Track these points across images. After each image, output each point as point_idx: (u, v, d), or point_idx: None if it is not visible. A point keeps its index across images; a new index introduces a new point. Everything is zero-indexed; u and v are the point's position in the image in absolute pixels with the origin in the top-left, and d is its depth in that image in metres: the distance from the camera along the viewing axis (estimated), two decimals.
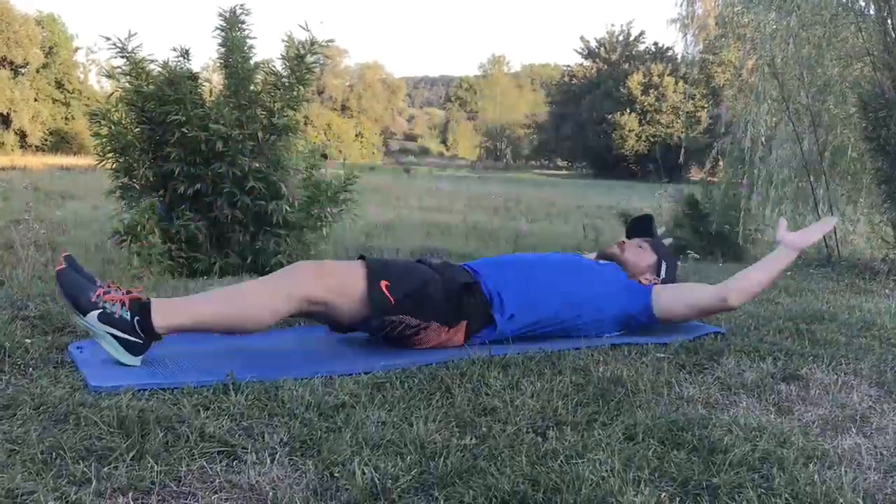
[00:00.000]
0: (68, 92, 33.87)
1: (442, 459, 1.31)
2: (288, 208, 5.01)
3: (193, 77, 5.04)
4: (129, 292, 1.83)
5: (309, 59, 5.26)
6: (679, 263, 2.70)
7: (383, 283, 2.00)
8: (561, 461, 1.32)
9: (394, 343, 2.09)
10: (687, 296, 2.41)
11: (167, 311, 1.82)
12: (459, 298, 2.10)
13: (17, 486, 1.14)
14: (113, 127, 4.90)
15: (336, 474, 1.26)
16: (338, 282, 1.98)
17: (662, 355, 2.09)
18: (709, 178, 8.41)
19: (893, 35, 5.01)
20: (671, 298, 2.37)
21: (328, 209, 5.31)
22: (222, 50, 5.16)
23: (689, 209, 7.81)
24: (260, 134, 4.99)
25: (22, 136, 31.63)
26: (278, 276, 2.00)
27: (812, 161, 5.79)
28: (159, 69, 4.96)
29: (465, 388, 1.72)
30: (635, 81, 38.91)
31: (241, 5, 5.16)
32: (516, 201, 16.84)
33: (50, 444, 1.31)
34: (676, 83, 37.06)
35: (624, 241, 2.59)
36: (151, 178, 4.89)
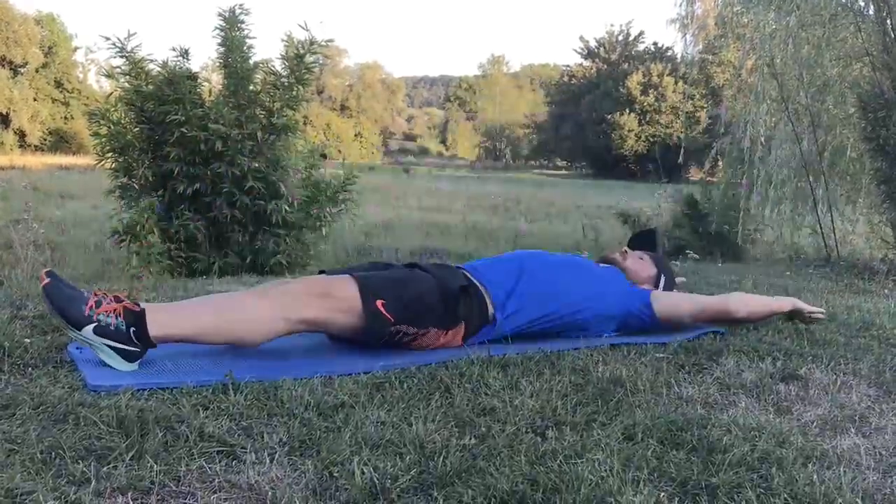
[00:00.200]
0: (67, 91, 33.87)
1: (441, 459, 1.31)
2: (287, 208, 5.01)
3: (193, 77, 5.05)
4: (117, 298, 1.79)
5: (308, 58, 5.26)
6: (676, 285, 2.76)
7: (379, 303, 1.97)
8: (560, 461, 1.32)
9: (392, 348, 2.08)
10: (688, 295, 2.46)
11: (163, 323, 1.79)
12: (457, 301, 2.09)
13: (16, 486, 1.14)
14: (112, 126, 4.91)
15: (335, 474, 1.26)
16: (335, 301, 1.95)
17: (661, 355, 2.09)
18: (708, 179, 8.42)
19: (893, 35, 5.02)
20: (673, 297, 2.43)
21: (327, 209, 5.32)
22: (221, 49, 5.16)
23: (688, 209, 7.82)
24: (259, 134, 4.99)
25: (21, 135, 31.61)
26: (277, 294, 1.94)
27: (811, 161, 5.80)
28: (158, 69, 4.96)
29: (464, 388, 1.72)
30: (635, 81, 38.92)
31: (241, 5, 5.17)
32: (516, 201, 16.85)
33: (49, 443, 1.31)
34: (676, 83, 37.07)
35: (626, 250, 2.61)
36: (151, 178, 4.90)
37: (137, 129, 4.95)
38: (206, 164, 4.87)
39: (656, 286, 2.54)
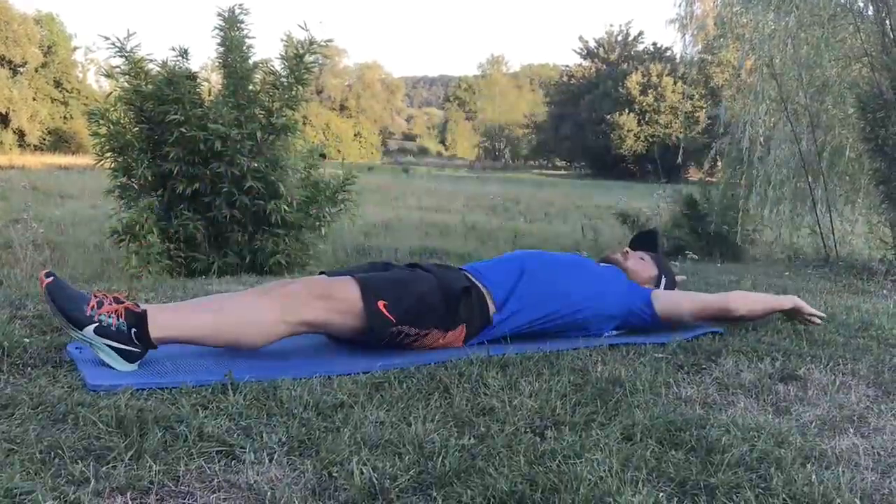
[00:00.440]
0: (67, 91, 33.85)
1: (440, 459, 1.31)
2: (286, 208, 5.01)
3: (192, 76, 5.05)
4: (118, 300, 1.79)
5: (308, 58, 5.26)
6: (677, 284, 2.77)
7: (381, 303, 1.97)
8: (559, 461, 1.32)
9: (392, 348, 2.08)
10: (689, 293, 2.49)
11: (163, 325, 1.80)
12: (458, 302, 2.09)
13: (15, 486, 1.13)
14: (112, 126, 4.90)
15: (334, 474, 1.26)
16: (336, 302, 1.95)
17: (660, 355, 2.09)
18: (707, 179, 8.43)
19: (892, 36, 5.02)
20: (674, 295, 2.43)
21: (327, 209, 5.32)
22: (221, 49, 5.16)
23: (687, 209, 7.83)
24: (259, 133, 4.99)
25: (20, 135, 31.59)
26: (278, 297, 1.93)
27: (810, 161, 5.81)
28: (158, 69, 4.96)
29: (463, 388, 1.73)
30: (634, 81, 38.91)
31: (240, 5, 5.17)
32: (515, 201, 16.85)
33: (48, 443, 1.31)
34: (675, 83, 37.05)
35: (627, 251, 2.61)
36: (150, 178, 4.90)
37: (137, 128, 4.95)
38: (206, 164, 4.87)
39: (657, 286, 2.55)
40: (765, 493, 1.24)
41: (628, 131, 38.12)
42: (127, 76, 4.95)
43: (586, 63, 44.85)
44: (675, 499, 1.23)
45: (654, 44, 42.97)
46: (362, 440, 1.39)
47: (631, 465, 1.33)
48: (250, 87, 5.17)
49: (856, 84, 5.33)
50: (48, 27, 34.54)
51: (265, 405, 1.56)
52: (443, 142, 65.49)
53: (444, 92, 79.03)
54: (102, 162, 5.00)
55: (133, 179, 4.93)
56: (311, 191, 5.32)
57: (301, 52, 5.24)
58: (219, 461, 1.30)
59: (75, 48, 36.15)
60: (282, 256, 4.97)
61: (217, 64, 5.32)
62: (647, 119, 38.27)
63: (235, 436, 1.40)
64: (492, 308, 2.16)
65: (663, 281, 2.57)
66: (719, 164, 7.68)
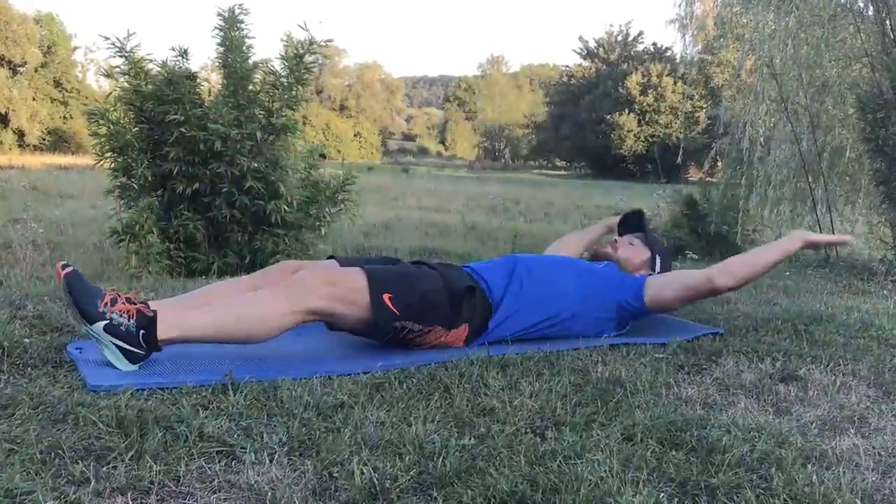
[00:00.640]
0: (66, 91, 33.82)
1: (441, 459, 1.31)
2: (286, 208, 5.01)
3: (192, 77, 5.04)
4: (130, 300, 1.80)
5: (308, 58, 5.26)
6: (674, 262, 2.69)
7: (386, 296, 1.98)
8: (559, 461, 1.32)
9: (395, 344, 2.08)
10: (675, 278, 2.39)
11: (172, 325, 1.80)
12: (461, 301, 2.10)
13: (15, 486, 1.13)
14: (111, 126, 4.90)
15: (335, 474, 1.26)
16: (343, 292, 1.96)
17: (661, 356, 2.09)
18: (707, 179, 8.42)
19: (892, 36, 5.02)
20: (660, 283, 2.35)
21: (326, 209, 5.32)
22: (221, 49, 5.16)
23: (687, 210, 7.82)
24: (258, 134, 4.99)
25: (20, 135, 31.56)
26: (285, 286, 1.94)
27: (810, 162, 5.80)
28: (158, 69, 4.96)
29: (463, 389, 1.73)
30: (634, 82, 38.90)
31: (240, 5, 5.17)
32: (515, 201, 16.84)
33: (48, 443, 1.31)
34: (675, 83, 37.02)
35: (616, 240, 2.57)
36: (150, 178, 4.89)
37: (137, 128, 4.95)
38: (206, 164, 4.87)
39: (653, 268, 2.49)
40: (765, 494, 1.24)
41: (628, 131, 38.10)
42: (127, 76, 4.94)
43: (586, 63, 44.82)
44: (676, 499, 1.23)
45: (654, 44, 42.97)
46: (363, 440, 1.39)
47: (631, 465, 1.32)
48: (250, 88, 5.17)
49: (856, 84, 5.33)
50: (48, 27, 34.52)
51: (265, 405, 1.56)
52: (443, 142, 65.46)
53: (443, 92, 78.98)
54: (102, 162, 5.00)
55: (133, 179, 4.93)
56: (311, 191, 5.32)
57: (301, 52, 5.24)
58: (219, 461, 1.30)
59: (75, 48, 36.15)
60: (282, 256, 4.97)
61: (217, 64, 5.32)
62: (647, 119, 38.24)
63: (236, 436, 1.40)
64: (492, 309, 2.16)
65: (658, 261, 2.50)
66: (719, 164, 7.68)
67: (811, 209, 5.97)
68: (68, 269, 1.77)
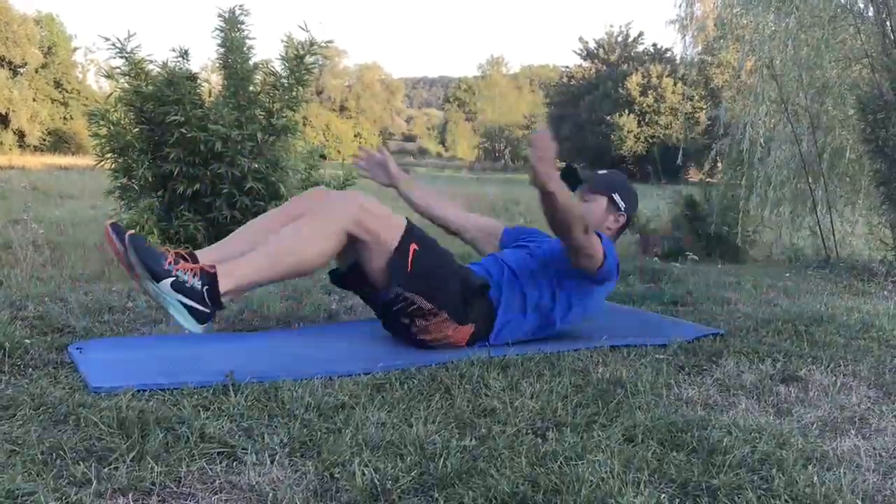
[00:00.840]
0: (67, 92, 33.82)
1: (442, 460, 1.31)
2: None
3: (192, 77, 5.04)
4: (184, 258, 1.84)
5: (308, 59, 5.25)
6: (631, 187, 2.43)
7: (412, 246, 2.01)
8: (560, 462, 1.32)
9: (397, 330, 2.08)
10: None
11: (231, 278, 1.85)
12: (473, 298, 2.11)
13: (17, 487, 1.14)
14: (112, 127, 4.89)
15: (336, 475, 1.26)
16: (378, 226, 2.00)
17: (661, 357, 2.09)
18: (707, 180, 8.41)
19: (892, 37, 5.02)
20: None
21: None
22: (221, 50, 5.15)
23: (687, 210, 7.81)
24: (259, 134, 4.98)
25: (20, 135, 31.57)
26: (320, 210, 1.99)
27: (810, 162, 5.80)
28: (158, 69, 4.95)
29: (464, 390, 1.73)
30: (634, 82, 38.89)
31: (241, 6, 5.16)
32: (515, 202, 16.82)
33: (50, 444, 1.31)
34: (675, 84, 37.03)
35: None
36: (150, 179, 4.89)
37: (137, 129, 4.94)
38: (206, 165, 4.86)
39: (618, 209, 2.36)
40: (766, 495, 1.24)
41: (628, 132, 38.09)
42: (127, 77, 4.93)
43: (586, 64, 44.80)
44: (677, 500, 1.23)
45: (655, 45, 42.92)
46: (364, 441, 1.39)
47: (632, 466, 1.33)
48: (251, 88, 5.16)
49: (856, 85, 5.33)
50: (48, 28, 34.53)
51: (266, 406, 1.56)
52: (443, 143, 65.49)
53: (443, 93, 78.99)
54: (103, 163, 4.99)
55: (133, 180, 4.92)
56: None
57: (301, 52, 5.23)
58: (220, 462, 1.30)
59: (75, 49, 36.15)
60: None
61: (217, 65, 5.31)
62: (647, 120, 38.23)
63: (237, 437, 1.40)
64: (493, 317, 2.18)
65: (617, 196, 2.36)
66: (719, 165, 7.67)
67: (811, 210, 5.97)
68: (130, 231, 1.78)
